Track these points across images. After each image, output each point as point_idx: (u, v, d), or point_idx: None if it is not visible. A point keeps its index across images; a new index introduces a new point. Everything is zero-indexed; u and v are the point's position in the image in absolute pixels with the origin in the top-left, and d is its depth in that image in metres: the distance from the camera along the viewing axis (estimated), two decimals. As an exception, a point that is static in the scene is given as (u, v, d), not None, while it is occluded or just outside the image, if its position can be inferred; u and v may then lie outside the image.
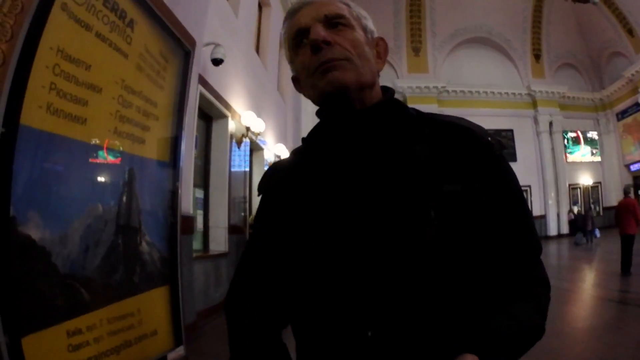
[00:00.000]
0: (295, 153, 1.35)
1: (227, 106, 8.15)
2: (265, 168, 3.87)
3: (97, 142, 2.96)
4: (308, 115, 16.35)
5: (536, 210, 25.37)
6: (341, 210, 1.10)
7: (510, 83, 25.40)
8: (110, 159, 3.08)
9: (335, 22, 1.19)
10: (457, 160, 1.12)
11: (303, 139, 1.36)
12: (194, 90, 4.05)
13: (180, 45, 3.99)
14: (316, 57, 1.14)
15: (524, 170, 24.65)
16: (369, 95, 1.20)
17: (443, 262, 1.03)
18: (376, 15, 20.96)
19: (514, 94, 25.44)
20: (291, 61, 1.30)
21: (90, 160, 2.92)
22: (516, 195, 1.18)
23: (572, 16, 24.87)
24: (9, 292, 2.14)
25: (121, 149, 3.23)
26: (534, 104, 25.60)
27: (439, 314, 1.02)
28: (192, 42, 4.11)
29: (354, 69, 1.15)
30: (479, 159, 1.14)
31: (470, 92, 24.77)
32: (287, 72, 9.18)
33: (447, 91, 24.40)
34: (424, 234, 1.03)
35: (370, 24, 1.29)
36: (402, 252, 1.03)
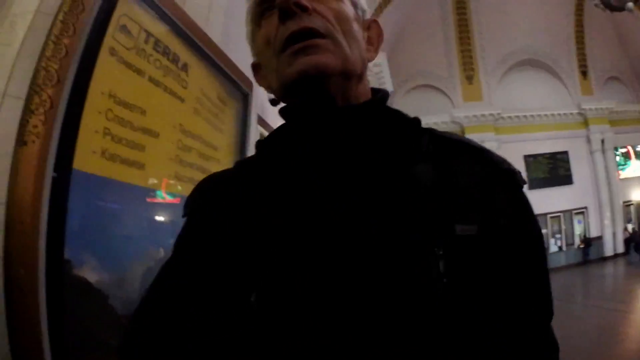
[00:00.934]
0: (242, 164, 1.05)
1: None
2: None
3: (156, 186, 2.82)
4: None
5: (593, 232, 24.33)
6: (304, 257, 0.77)
7: (561, 103, 24.82)
8: (169, 198, 2.91)
9: None
10: (470, 189, 0.83)
11: (258, 145, 1.02)
12: (254, 132, 3.92)
13: (237, 88, 3.84)
14: (285, 27, 0.85)
15: (580, 192, 24.01)
16: (355, 90, 0.91)
17: (453, 335, 0.74)
18: (427, 43, 20.97)
19: (565, 114, 24.76)
20: (252, 39, 1.01)
21: (149, 200, 2.78)
22: (538, 244, 0.91)
23: (611, 28, 24.16)
24: (61, 333, 1.98)
25: (183, 193, 3.04)
26: (586, 123, 24.74)
27: None
28: (249, 85, 3.95)
29: (338, 50, 0.86)
30: (498, 191, 0.86)
31: (525, 116, 24.24)
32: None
33: (503, 117, 23.86)
34: (430, 299, 0.74)
35: (362, 2, 1.01)
36: (401, 326, 0.73)
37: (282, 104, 0.99)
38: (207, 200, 0.98)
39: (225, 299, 0.82)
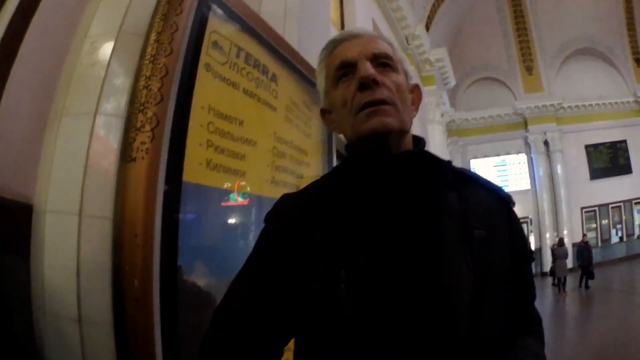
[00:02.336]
0: (311, 190, 1.21)
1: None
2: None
3: (256, 192, 2.77)
4: (434, 126, 15.33)
5: None
6: (379, 255, 0.99)
7: (618, 92, 22.97)
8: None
9: (383, 62, 1.12)
10: (480, 209, 1.10)
11: (329, 173, 1.27)
12: (334, 135, 3.81)
13: (321, 93, 3.70)
14: (363, 95, 1.07)
15: (638, 181, 22.14)
16: (404, 142, 1.14)
17: (481, 303, 1.00)
18: (486, 36, 20.22)
19: (623, 102, 22.87)
20: (326, 92, 1.20)
21: (249, 206, 2.73)
22: (526, 249, 1.22)
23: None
24: (173, 337, 1.96)
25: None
26: None
27: (477, 352, 0.97)
28: (332, 90, 3.83)
29: (397, 114, 1.09)
30: (498, 210, 1.14)
31: (584, 105, 22.73)
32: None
33: (563, 107, 22.63)
34: (463, 278, 1.00)
35: (409, 69, 1.22)
36: (445, 298, 0.98)
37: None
38: (285, 218, 1.14)
39: (323, 288, 1.00)
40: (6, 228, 1.86)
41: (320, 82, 1.23)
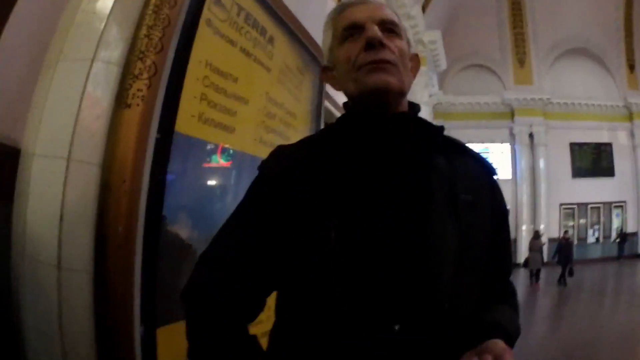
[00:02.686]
0: (306, 142, 1.26)
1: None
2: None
3: (244, 149, 2.80)
4: (422, 107, 15.32)
5: (630, 227, 22.69)
6: (371, 207, 1.05)
7: (607, 95, 23.09)
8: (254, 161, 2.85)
9: (389, 27, 1.17)
10: (467, 175, 1.16)
11: (324, 129, 1.35)
12: (324, 105, 3.96)
13: (315, 60, 3.76)
14: (368, 54, 1.11)
15: (619, 185, 22.51)
16: (401, 104, 1.19)
17: (462, 263, 1.06)
18: (481, 23, 20.04)
19: (612, 106, 23.06)
20: (330, 49, 1.24)
21: (237, 162, 2.77)
22: (506, 217, 1.29)
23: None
24: (152, 285, 1.97)
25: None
26: (631, 117, 23.08)
27: (457, 308, 1.04)
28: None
29: (399, 75, 1.13)
30: (483, 179, 1.22)
31: (573, 104, 22.78)
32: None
33: (552, 103, 22.65)
34: (447, 235, 1.05)
35: (411, 39, 1.33)
36: (430, 251, 1.03)
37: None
38: (281, 166, 1.17)
39: (313, 235, 1.04)
40: None
41: (326, 40, 1.26)
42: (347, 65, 1.16)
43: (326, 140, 1.21)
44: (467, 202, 1.11)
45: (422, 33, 14.86)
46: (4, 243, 1.87)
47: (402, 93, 1.16)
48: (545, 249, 17.53)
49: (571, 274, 15.35)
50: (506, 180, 22.00)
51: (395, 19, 1.21)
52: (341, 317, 0.99)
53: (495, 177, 1.27)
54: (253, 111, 2.86)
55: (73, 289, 1.80)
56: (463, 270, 1.06)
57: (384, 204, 1.05)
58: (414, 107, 1.24)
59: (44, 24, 2.07)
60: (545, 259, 17.19)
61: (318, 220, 1.04)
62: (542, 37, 22.77)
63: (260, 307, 1.17)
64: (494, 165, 1.29)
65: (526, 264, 17.00)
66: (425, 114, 15.16)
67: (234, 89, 2.61)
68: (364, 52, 1.12)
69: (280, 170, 1.15)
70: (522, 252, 19.66)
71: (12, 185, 1.90)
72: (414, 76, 1.27)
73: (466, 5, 21.88)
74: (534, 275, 15.60)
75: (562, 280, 15.32)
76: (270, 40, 3.06)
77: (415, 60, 1.28)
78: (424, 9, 15.68)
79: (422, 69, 14.96)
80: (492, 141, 22.90)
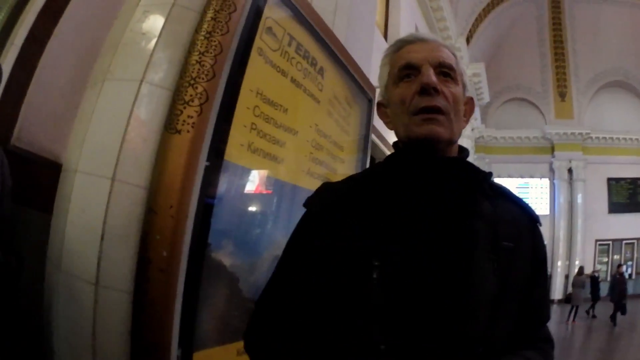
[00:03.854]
0: (352, 179, 1.23)
1: (390, 148, 7.68)
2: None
3: (292, 180, 2.71)
4: (464, 140, 15.19)
5: None
6: (413, 250, 1.02)
7: None
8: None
9: (446, 72, 1.13)
10: (510, 222, 1.13)
11: (371, 167, 1.33)
12: (371, 138, 3.84)
13: (363, 92, 3.68)
14: (421, 100, 1.08)
15: None
16: (451, 151, 1.16)
17: (499, 310, 1.03)
18: (523, 57, 19.65)
19: None
20: (386, 87, 1.21)
21: (284, 196, 2.68)
22: (545, 264, 1.23)
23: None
24: (192, 310, 1.92)
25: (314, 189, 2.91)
26: None
27: (490, 353, 1.00)
28: (373, 90, 3.78)
29: (449, 125, 1.10)
30: (526, 226, 1.18)
31: (612, 138, 21.87)
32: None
33: (591, 137, 21.92)
34: (487, 282, 1.03)
35: (467, 81, 1.23)
36: (470, 298, 1.01)
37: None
38: (325, 202, 1.15)
39: (354, 276, 1.02)
40: (28, 182, 1.84)
41: (382, 75, 1.23)
42: (401, 108, 1.13)
43: (372, 178, 1.17)
44: (508, 250, 1.08)
45: (466, 66, 14.71)
46: (39, 252, 1.87)
47: (451, 142, 1.14)
48: (587, 285, 16.86)
49: (624, 311, 14.21)
50: (544, 216, 21.10)
51: (452, 62, 1.15)
52: (378, 356, 0.97)
53: (538, 224, 1.23)
54: (302, 142, 2.77)
55: (110, 307, 1.78)
56: (499, 316, 1.03)
57: (427, 247, 1.03)
58: (463, 152, 1.22)
59: (88, 41, 2.06)
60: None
61: (360, 260, 1.02)
62: (582, 70, 22.14)
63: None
64: (535, 210, 1.26)
65: (569, 299, 16.26)
66: (467, 146, 14.97)
67: (283, 120, 2.53)
68: (418, 97, 1.09)
69: (324, 207, 1.14)
70: (557, 289, 19.04)
71: (50, 197, 1.89)
72: (467, 121, 1.24)
73: (509, 38, 21.54)
74: (574, 313, 14.88)
75: (613, 318, 14.18)
76: (321, 71, 2.98)
77: (470, 104, 1.25)
78: (467, 40, 15.54)
79: (465, 102, 14.80)
80: (532, 176, 22.29)
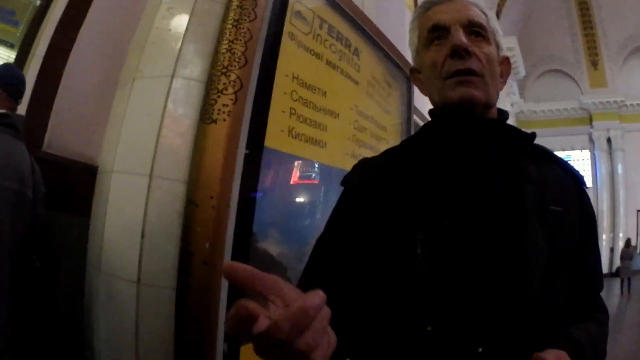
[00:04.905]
0: (390, 151, 1.11)
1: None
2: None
3: (336, 164, 2.57)
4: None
5: None
6: (460, 220, 0.91)
7: None
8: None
9: (477, 31, 1.02)
10: (557, 185, 1.03)
11: (408, 138, 1.15)
12: (413, 118, 3.68)
13: (401, 71, 3.51)
14: (453, 63, 0.97)
15: None
16: (489, 114, 1.04)
17: (552, 280, 0.92)
18: (553, 26, 18.94)
19: None
20: (417, 51, 1.10)
21: (328, 181, 2.54)
22: (595, 227, 1.12)
23: None
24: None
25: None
26: None
27: (546, 329, 0.90)
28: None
29: (485, 87, 0.99)
30: (572, 188, 1.07)
31: None
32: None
33: (626, 105, 20.91)
34: (540, 250, 0.92)
35: (501, 41, 1.12)
36: (526, 268, 0.90)
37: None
38: (362, 179, 1.06)
39: (397, 253, 0.91)
40: (63, 187, 1.81)
41: (412, 39, 1.12)
42: (433, 72, 1.02)
43: (410, 149, 1.07)
44: (557, 214, 0.98)
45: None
46: (80, 256, 1.85)
47: (489, 105, 1.02)
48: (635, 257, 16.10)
49: None
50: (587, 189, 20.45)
51: (483, 21, 1.04)
52: (424, 338, 0.87)
53: (584, 186, 1.13)
54: (344, 125, 2.64)
55: (153, 305, 1.73)
56: (553, 286, 0.92)
57: (474, 216, 0.92)
58: (503, 114, 1.10)
59: (112, 44, 2.02)
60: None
61: (402, 235, 0.92)
62: (611, 37, 20.95)
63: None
64: (581, 174, 1.16)
65: (616, 273, 15.51)
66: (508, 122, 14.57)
67: (323, 103, 2.40)
68: (450, 60, 0.98)
69: (362, 182, 1.04)
70: (603, 263, 18.06)
71: (88, 201, 1.87)
72: (505, 82, 1.12)
73: (538, 8, 20.73)
74: (627, 286, 14.10)
75: None
76: (356, 52, 2.82)
77: (506, 64, 1.13)
78: (497, 15, 15.08)
79: (502, 77, 14.41)
80: (573, 148, 21.40)
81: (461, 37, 0.97)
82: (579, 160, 21.24)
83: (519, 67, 16.00)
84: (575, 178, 1.11)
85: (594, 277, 1.11)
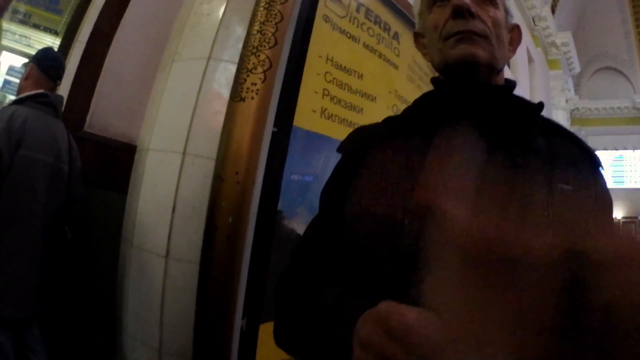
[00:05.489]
0: (390, 118, 1.04)
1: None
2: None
3: None
4: (559, 112, 14.27)
5: None
6: (455, 192, 0.74)
7: None
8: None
9: None
10: (568, 162, 0.92)
11: (410, 105, 1.05)
12: None
13: (444, 57, 3.36)
14: (454, 23, 0.89)
15: None
16: (494, 80, 0.94)
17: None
18: (607, 23, 18.26)
19: None
20: (420, 14, 1.03)
21: None
22: (611, 216, 1.05)
23: None
24: (261, 279, 1.79)
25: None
26: None
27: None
28: (455, 54, 3.48)
29: (489, 48, 0.90)
30: (587, 169, 0.96)
31: None
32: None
33: None
34: (539, 227, 0.69)
35: (511, 8, 1.06)
36: (516, 244, 0.66)
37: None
38: (358, 144, 0.98)
39: (387, 222, 0.84)
40: (103, 165, 1.85)
41: (416, 2, 1.06)
42: (434, 34, 0.95)
43: (411, 116, 1.00)
44: (565, 194, 0.89)
45: (554, 35, 13.73)
46: (117, 231, 1.88)
47: (493, 68, 0.93)
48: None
49: None
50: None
51: None
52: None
53: (600, 167, 1.01)
54: (381, 109, 2.55)
55: (179, 279, 1.72)
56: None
57: (472, 189, 0.80)
58: (510, 83, 1.01)
59: (156, 27, 2.05)
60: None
61: (391, 204, 0.86)
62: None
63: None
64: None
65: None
66: (562, 120, 13.99)
67: (359, 86, 2.33)
68: (451, 21, 0.91)
69: (355, 148, 0.97)
70: None
71: (127, 180, 1.90)
72: (514, 50, 1.04)
73: (592, 4, 20.00)
74: None
75: None
76: (395, 36, 2.72)
77: (516, 31, 1.04)
78: (552, 10, 14.55)
79: (557, 72, 13.82)
80: (625, 148, 20.38)
81: None
82: (633, 159, 20.31)
83: (574, 62, 15.37)
84: (590, 157, 1.02)
85: None
